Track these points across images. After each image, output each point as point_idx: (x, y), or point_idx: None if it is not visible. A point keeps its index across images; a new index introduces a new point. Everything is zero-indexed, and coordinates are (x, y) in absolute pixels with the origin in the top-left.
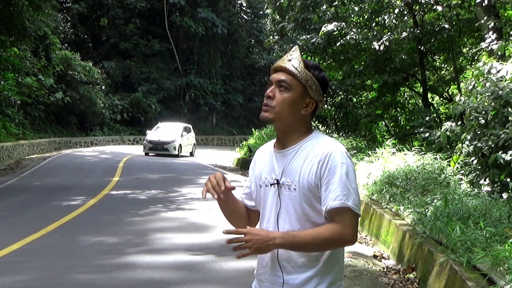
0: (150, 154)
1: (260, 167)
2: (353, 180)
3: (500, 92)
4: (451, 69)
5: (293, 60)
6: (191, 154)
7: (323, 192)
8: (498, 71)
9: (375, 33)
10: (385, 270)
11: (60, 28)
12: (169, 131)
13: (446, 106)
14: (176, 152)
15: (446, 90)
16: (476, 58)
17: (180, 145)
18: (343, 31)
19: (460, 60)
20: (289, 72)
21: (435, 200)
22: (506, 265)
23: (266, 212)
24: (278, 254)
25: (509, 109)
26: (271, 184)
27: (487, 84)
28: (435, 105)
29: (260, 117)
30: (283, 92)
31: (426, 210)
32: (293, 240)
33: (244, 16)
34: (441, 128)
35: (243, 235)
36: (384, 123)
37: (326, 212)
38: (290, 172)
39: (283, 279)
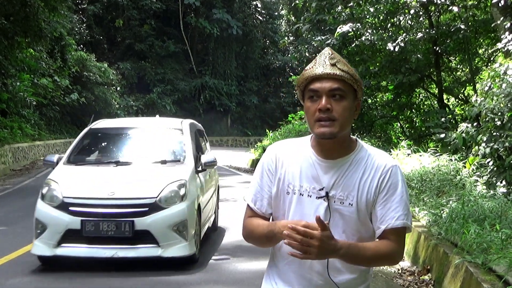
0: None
1: (290, 172)
2: (408, 197)
3: None
4: (467, 70)
5: (338, 63)
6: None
7: (380, 209)
8: None
9: (390, 34)
10: (400, 271)
11: (76, 29)
12: (146, 155)
13: (462, 107)
14: (191, 251)
15: (461, 91)
16: (492, 59)
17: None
18: (358, 32)
19: (476, 61)
20: (340, 77)
21: (451, 202)
22: None
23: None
24: (329, 273)
25: None
26: (320, 197)
27: (503, 85)
28: (451, 106)
29: (322, 133)
30: (340, 102)
31: (442, 212)
32: (357, 253)
33: (259, 17)
34: (456, 130)
35: (310, 238)
36: (399, 124)
37: (384, 230)
38: (345, 186)
39: None
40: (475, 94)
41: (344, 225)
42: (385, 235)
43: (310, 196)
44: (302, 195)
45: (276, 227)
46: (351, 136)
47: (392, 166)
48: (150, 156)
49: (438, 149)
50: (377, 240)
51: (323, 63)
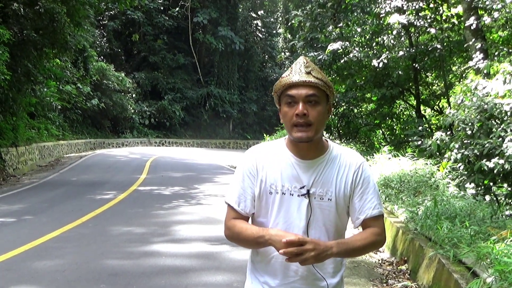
0: None
1: (271, 173)
2: (377, 186)
3: (485, 106)
4: (442, 84)
5: (313, 71)
6: None
7: (358, 202)
8: (483, 88)
9: (375, 51)
10: (380, 262)
11: (97, 42)
12: None
13: (437, 117)
14: None
15: (437, 103)
16: (464, 75)
17: None
18: (347, 50)
19: (450, 77)
20: (314, 84)
21: (426, 201)
22: (488, 260)
23: (290, 219)
24: (313, 264)
25: (493, 121)
26: (301, 194)
27: (474, 99)
28: (427, 117)
29: (299, 138)
30: (315, 106)
31: (418, 210)
32: (347, 248)
33: (259, 34)
34: (432, 137)
35: (302, 245)
36: (381, 132)
37: (364, 219)
38: (323, 183)
39: (327, 284)
40: (449, 106)
41: (324, 219)
42: (367, 223)
43: (292, 195)
44: (285, 194)
45: (267, 234)
46: (322, 137)
47: (362, 163)
48: None
49: (415, 154)
50: (360, 230)
51: (298, 71)
